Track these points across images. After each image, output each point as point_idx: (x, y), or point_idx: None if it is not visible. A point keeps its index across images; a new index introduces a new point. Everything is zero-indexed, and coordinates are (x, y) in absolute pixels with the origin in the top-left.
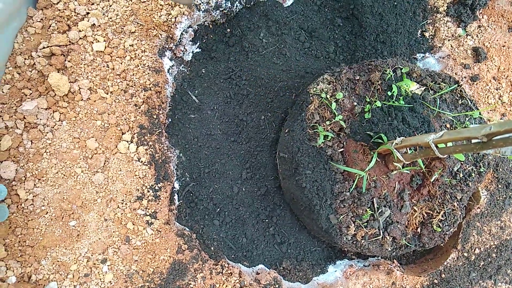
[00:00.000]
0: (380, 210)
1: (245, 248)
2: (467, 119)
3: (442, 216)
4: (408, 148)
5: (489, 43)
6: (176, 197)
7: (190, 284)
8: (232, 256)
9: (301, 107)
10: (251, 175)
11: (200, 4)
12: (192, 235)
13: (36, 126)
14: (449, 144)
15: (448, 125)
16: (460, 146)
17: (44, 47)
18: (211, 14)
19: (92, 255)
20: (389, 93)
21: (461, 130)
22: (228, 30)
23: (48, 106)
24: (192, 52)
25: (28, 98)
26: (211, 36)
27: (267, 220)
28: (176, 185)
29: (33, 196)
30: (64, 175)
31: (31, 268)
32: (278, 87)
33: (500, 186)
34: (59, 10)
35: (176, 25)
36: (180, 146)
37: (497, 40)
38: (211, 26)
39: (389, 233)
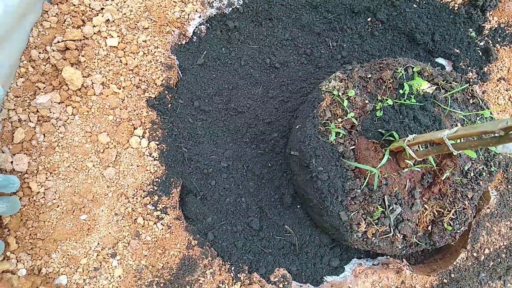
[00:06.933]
0: (391, 208)
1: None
2: (477, 118)
3: (453, 215)
4: (419, 146)
5: (499, 44)
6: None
7: (200, 279)
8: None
9: (313, 104)
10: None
11: (213, 1)
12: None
13: (49, 119)
14: (463, 140)
15: (459, 124)
16: (476, 141)
17: (58, 42)
18: (223, 12)
19: (102, 249)
20: (401, 92)
21: (476, 125)
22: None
23: (61, 100)
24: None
25: (42, 92)
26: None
27: (275, 218)
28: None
29: (45, 189)
30: (76, 169)
31: (42, 261)
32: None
33: (510, 186)
34: (74, 5)
35: (189, 22)
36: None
37: (507, 41)
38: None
39: (399, 231)
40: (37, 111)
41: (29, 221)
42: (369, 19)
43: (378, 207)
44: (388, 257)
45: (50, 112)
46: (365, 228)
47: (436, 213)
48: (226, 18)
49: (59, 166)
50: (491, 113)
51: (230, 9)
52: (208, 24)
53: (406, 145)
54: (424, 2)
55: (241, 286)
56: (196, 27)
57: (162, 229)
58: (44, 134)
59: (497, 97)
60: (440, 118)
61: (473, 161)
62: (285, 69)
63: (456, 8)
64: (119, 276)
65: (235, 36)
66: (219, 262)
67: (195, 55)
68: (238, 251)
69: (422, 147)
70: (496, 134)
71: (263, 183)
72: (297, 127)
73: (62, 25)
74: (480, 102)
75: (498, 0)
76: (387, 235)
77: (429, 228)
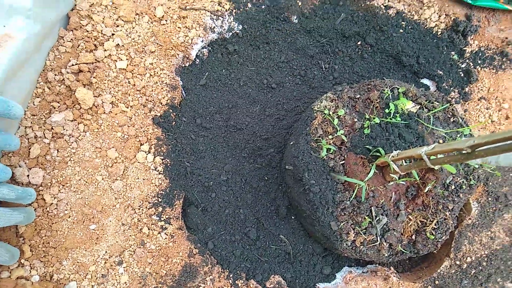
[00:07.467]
0: (377, 218)
1: (253, 262)
2: (458, 135)
3: (435, 225)
4: (404, 161)
5: (479, 66)
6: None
7: (200, 286)
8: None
9: (305, 122)
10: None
11: (214, 27)
12: (202, 241)
13: (62, 136)
14: (440, 156)
15: (441, 141)
16: (449, 157)
17: (73, 65)
18: (223, 36)
19: (109, 257)
20: (387, 111)
21: (450, 142)
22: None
23: (74, 118)
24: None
25: (56, 111)
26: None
27: (272, 228)
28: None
29: (58, 201)
30: (86, 182)
31: (53, 268)
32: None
33: (490, 199)
34: (88, 31)
35: (192, 46)
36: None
37: (487, 64)
38: (222, 47)
39: (386, 240)
40: (52, 128)
41: (43, 231)
42: (359, 43)
43: (366, 217)
44: (377, 265)
45: (64, 129)
46: (353, 237)
47: (420, 223)
48: (226, 42)
49: (71, 179)
50: (470, 130)
51: (230, 34)
52: (210, 48)
53: (391, 160)
54: (409, 27)
55: None
56: (199, 50)
57: (166, 238)
58: (57, 150)
59: (478, 115)
60: (423, 135)
61: (454, 175)
62: (281, 89)
63: (439, 33)
64: (125, 282)
65: (234, 59)
66: (218, 270)
67: (198, 77)
68: (236, 259)
69: (406, 162)
70: (464, 151)
71: (260, 195)
72: (292, 143)
73: (76, 50)
74: (460, 120)
75: (478, 26)
76: (374, 244)
77: (413, 237)
